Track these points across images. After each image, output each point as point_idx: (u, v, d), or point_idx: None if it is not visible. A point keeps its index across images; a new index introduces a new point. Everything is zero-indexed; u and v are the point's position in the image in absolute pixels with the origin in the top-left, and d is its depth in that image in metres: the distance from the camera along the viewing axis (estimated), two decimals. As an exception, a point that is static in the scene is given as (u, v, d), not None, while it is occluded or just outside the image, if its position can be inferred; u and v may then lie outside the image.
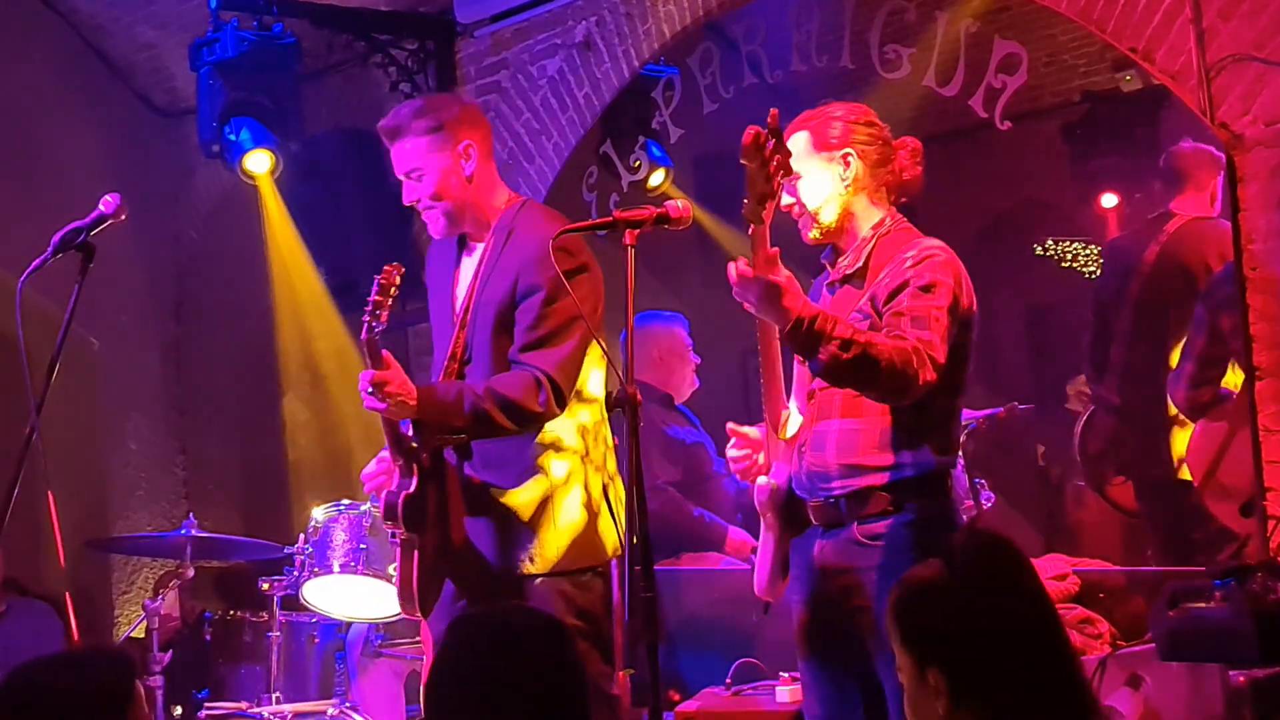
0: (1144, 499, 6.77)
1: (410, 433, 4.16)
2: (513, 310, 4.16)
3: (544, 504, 4.18)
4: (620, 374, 3.62)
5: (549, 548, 4.17)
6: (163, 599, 5.96)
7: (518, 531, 4.18)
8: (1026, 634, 2.62)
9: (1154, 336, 6.48)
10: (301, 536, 6.12)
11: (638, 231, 3.70)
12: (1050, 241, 9.53)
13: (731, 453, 4.03)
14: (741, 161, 3.45)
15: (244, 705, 6.04)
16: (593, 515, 4.23)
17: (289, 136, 7.13)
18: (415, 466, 4.15)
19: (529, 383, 4.09)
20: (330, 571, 5.93)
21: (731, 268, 3.57)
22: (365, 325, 4.00)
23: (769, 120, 3.47)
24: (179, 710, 6.59)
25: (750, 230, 3.57)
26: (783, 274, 3.51)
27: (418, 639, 5.57)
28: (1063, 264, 9.53)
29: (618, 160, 7.67)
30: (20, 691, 2.98)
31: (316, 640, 6.37)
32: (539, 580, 4.16)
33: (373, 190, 7.78)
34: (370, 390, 3.99)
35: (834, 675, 3.92)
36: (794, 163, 3.81)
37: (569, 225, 3.96)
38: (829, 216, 3.90)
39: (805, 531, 3.89)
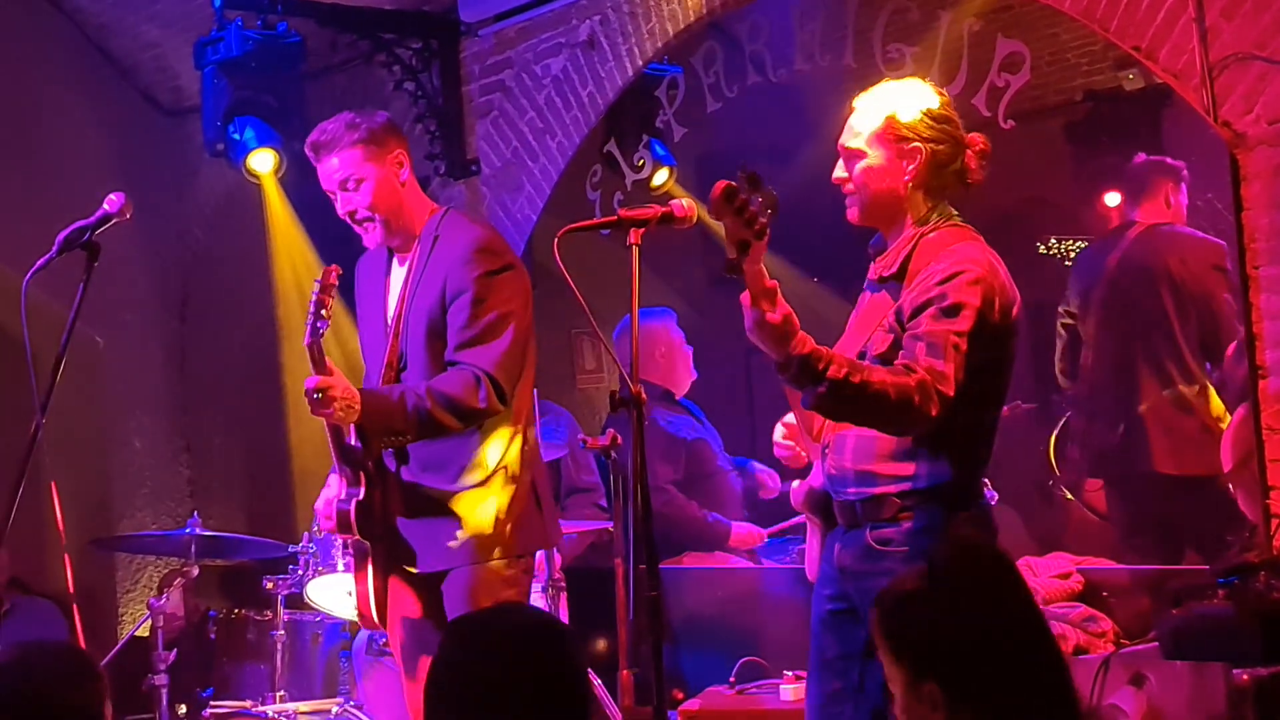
0: (1119, 498, 6.83)
1: (354, 439, 4.22)
2: (444, 315, 4.25)
3: (483, 501, 4.28)
4: (625, 373, 3.62)
5: (487, 542, 4.27)
6: (167, 597, 5.98)
7: (458, 528, 4.27)
8: (1015, 639, 2.61)
9: (1120, 339, 6.70)
10: (306, 535, 6.13)
11: (642, 231, 3.69)
12: (1053, 240, 9.52)
13: (779, 441, 4.00)
14: (713, 218, 3.36)
15: (248, 704, 6.05)
16: (527, 509, 4.34)
17: (293, 135, 7.11)
18: (362, 474, 4.22)
19: (469, 380, 4.16)
20: (335, 570, 5.95)
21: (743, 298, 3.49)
22: (309, 329, 4.04)
23: (740, 167, 3.39)
24: (184, 709, 6.60)
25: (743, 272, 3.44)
26: (780, 309, 3.41)
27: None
28: (1066, 262, 9.52)
29: (621, 159, 7.68)
30: None
31: (321, 639, 6.38)
32: (473, 568, 4.26)
33: (377, 189, 7.80)
34: (316, 396, 4.02)
35: (839, 673, 3.90)
36: (858, 140, 3.76)
37: (574, 225, 3.87)
38: (879, 204, 3.78)
39: (834, 529, 3.88)
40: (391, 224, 4.36)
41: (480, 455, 4.29)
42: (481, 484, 4.28)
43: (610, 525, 5.68)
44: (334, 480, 4.29)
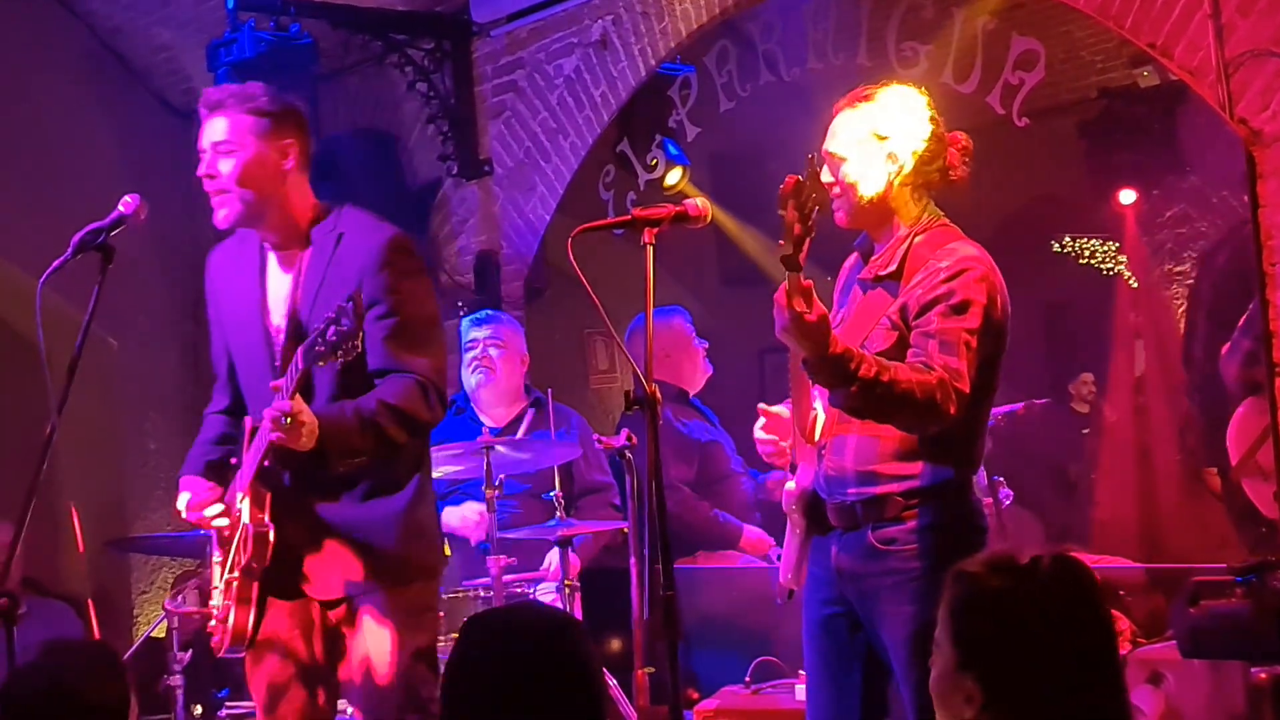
0: (1225, 488, 6.78)
1: (269, 463, 3.91)
2: (358, 320, 3.83)
3: (397, 520, 3.98)
4: (640, 373, 3.61)
5: (403, 565, 3.99)
6: (183, 599, 5.97)
7: (370, 551, 3.96)
8: (1083, 671, 2.53)
9: (1221, 333, 6.58)
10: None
11: (656, 230, 3.67)
12: (1067, 238, 9.49)
13: (759, 434, 3.98)
14: (779, 211, 3.34)
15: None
16: (429, 525, 4.09)
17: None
18: (268, 497, 3.96)
19: (414, 390, 3.89)
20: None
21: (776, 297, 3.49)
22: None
23: (807, 162, 3.40)
24: (199, 709, 6.60)
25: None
26: (815, 308, 3.40)
27: (440, 638, 5.55)
28: (1080, 261, 9.50)
29: (634, 159, 7.68)
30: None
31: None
32: (388, 594, 3.96)
33: (390, 190, 7.80)
34: (286, 423, 3.75)
35: (838, 677, 3.91)
36: (840, 145, 3.78)
37: (587, 224, 3.83)
38: (867, 206, 3.79)
39: (828, 533, 3.88)
40: (253, 208, 3.97)
41: (393, 471, 3.99)
42: (394, 501, 3.99)
43: (624, 525, 5.66)
44: (195, 487, 4.07)
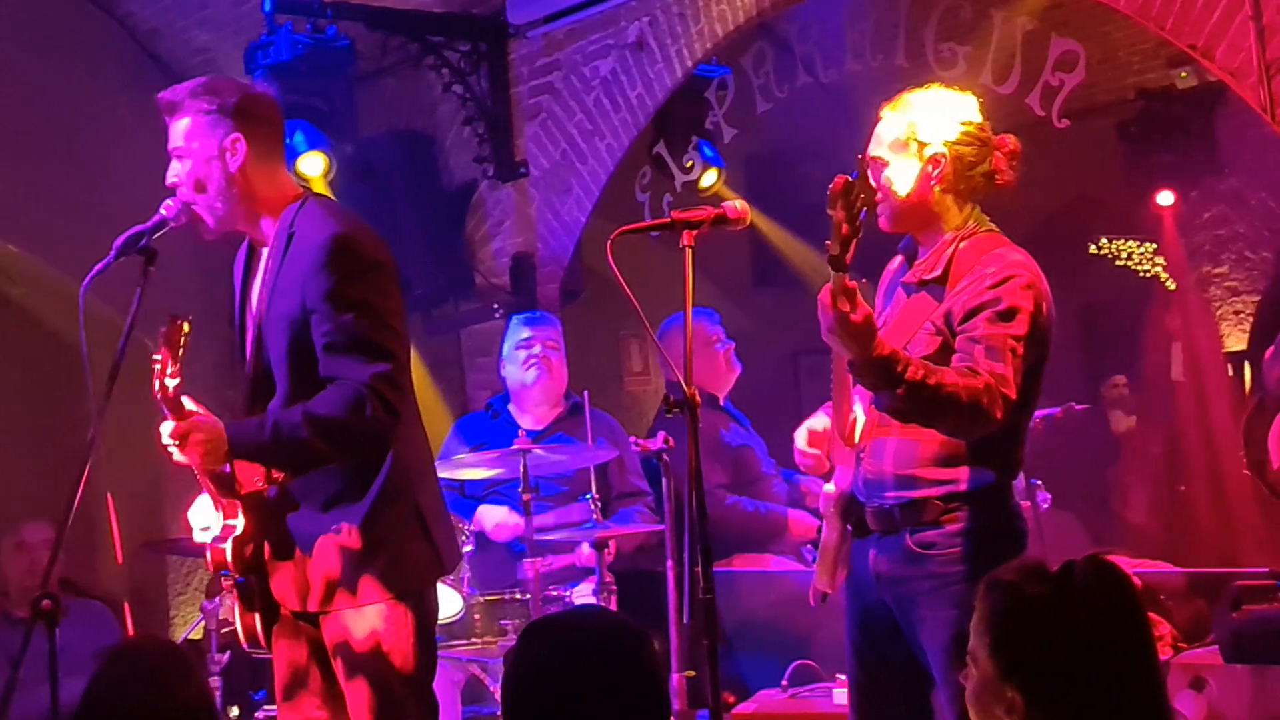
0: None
1: (229, 471, 3.77)
2: (305, 324, 3.71)
3: (355, 533, 3.73)
4: (680, 376, 3.60)
5: (360, 583, 3.73)
6: (220, 600, 5.98)
7: (327, 566, 3.75)
8: (1123, 674, 2.52)
9: None
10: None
11: (695, 233, 3.66)
12: (1104, 239, 9.46)
13: (801, 446, 3.97)
14: (828, 211, 3.32)
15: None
16: (408, 539, 3.79)
17: (343, 139, 7.15)
18: (239, 504, 3.77)
19: (349, 398, 3.63)
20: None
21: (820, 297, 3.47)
22: (156, 384, 3.70)
23: (858, 163, 3.39)
24: (236, 710, 6.61)
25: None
26: (861, 308, 3.39)
27: (475, 640, 5.57)
28: (1117, 262, 9.46)
29: (671, 161, 7.67)
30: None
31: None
32: (345, 614, 3.74)
33: (426, 192, 7.82)
34: (176, 444, 3.65)
35: (879, 682, 3.89)
36: (881, 149, 3.77)
37: (626, 227, 3.82)
38: (908, 210, 3.78)
39: (866, 536, 3.86)
40: (215, 212, 3.82)
41: (350, 479, 3.76)
42: (352, 513, 3.74)
43: (662, 528, 5.65)
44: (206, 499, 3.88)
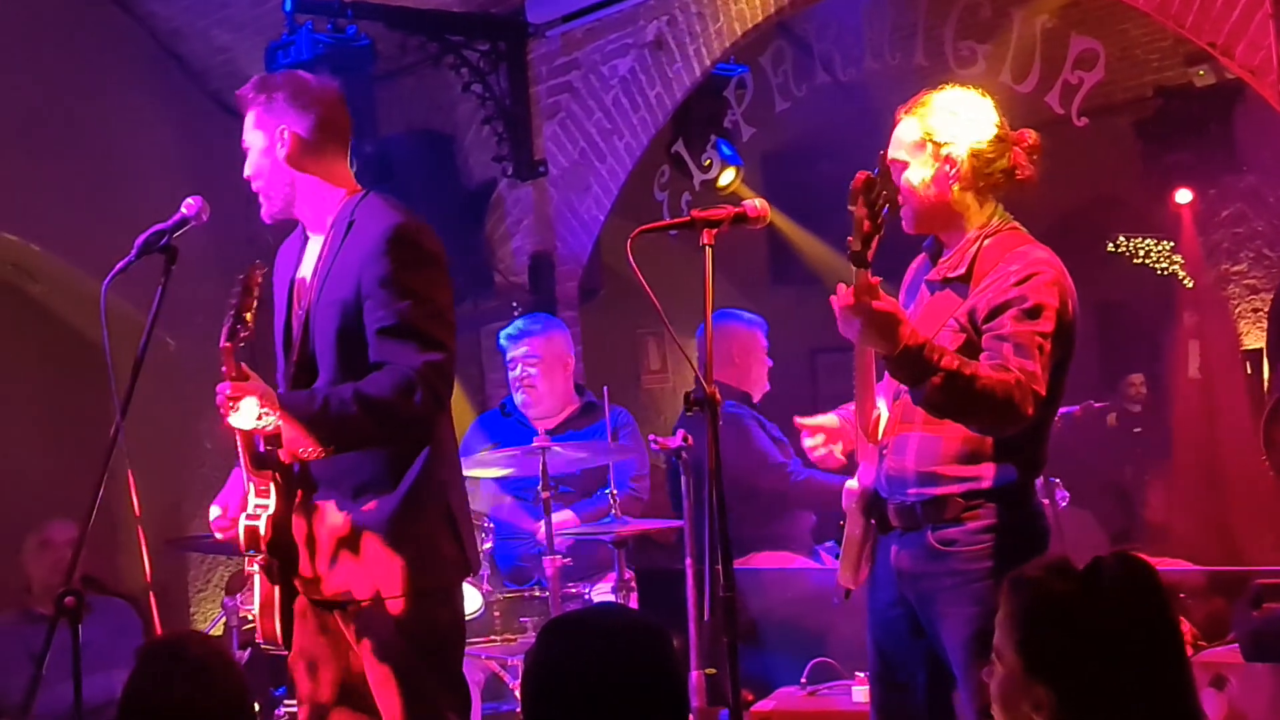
0: None
1: (264, 445, 3.78)
2: (359, 309, 3.75)
3: (382, 525, 3.75)
4: (700, 373, 3.61)
5: (383, 576, 3.74)
6: (242, 597, 6.00)
7: (352, 557, 3.77)
8: (1153, 672, 2.51)
9: None
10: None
11: (715, 231, 3.68)
12: (1122, 237, 9.45)
13: (807, 443, 3.99)
14: (849, 207, 3.36)
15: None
16: (437, 536, 3.80)
17: (362, 138, 7.15)
18: (273, 484, 3.77)
19: (399, 382, 3.66)
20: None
21: (834, 299, 3.49)
22: (226, 329, 3.67)
23: (878, 159, 3.40)
24: (256, 707, 6.63)
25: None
26: (886, 301, 3.42)
27: (495, 637, 5.58)
28: (1135, 260, 9.45)
29: (689, 159, 7.68)
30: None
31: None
32: (381, 602, 3.74)
33: (445, 191, 7.83)
34: (230, 403, 3.64)
35: (901, 679, 3.90)
36: (901, 151, 3.79)
37: (647, 225, 3.84)
38: (929, 211, 3.79)
39: (889, 533, 3.87)
40: (272, 199, 3.94)
41: (383, 469, 3.77)
42: (381, 504, 3.76)
43: (682, 524, 5.65)
44: (234, 481, 3.90)
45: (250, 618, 6.83)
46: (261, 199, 3.98)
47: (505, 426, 6.31)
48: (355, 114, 7.03)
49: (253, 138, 3.96)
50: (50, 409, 8.37)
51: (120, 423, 3.74)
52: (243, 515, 3.77)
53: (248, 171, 4.00)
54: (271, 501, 3.76)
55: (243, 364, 3.69)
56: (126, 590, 7.20)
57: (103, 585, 6.97)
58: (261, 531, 3.74)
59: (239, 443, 3.78)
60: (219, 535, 3.90)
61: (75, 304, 8.23)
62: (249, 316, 3.68)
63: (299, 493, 3.83)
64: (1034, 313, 3.59)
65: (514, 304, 7.66)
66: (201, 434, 8.90)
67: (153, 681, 3.22)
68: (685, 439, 5.36)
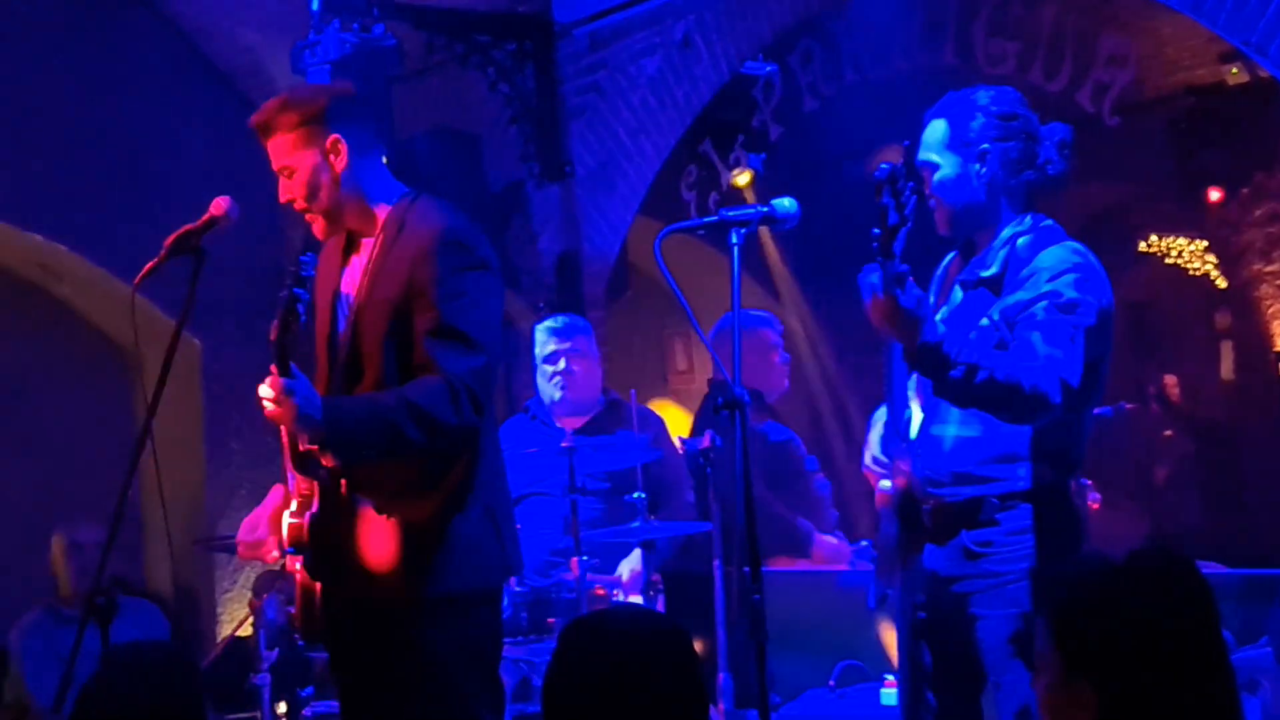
0: None
1: (306, 445, 3.72)
2: (408, 312, 3.72)
3: (420, 525, 3.72)
4: (729, 374, 3.59)
5: (419, 576, 3.71)
6: (269, 598, 6.00)
7: (389, 557, 3.73)
8: (1193, 666, 2.46)
9: None
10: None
11: (744, 231, 3.67)
12: (1154, 237, 9.40)
13: (871, 455, 3.97)
14: (875, 199, 3.34)
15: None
16: (477, 537, 3.76)
17: (388, 139, 7.15)
18: (316, 484, 3.75)
19: (444, 390, 3.63)
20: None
21: (861, 280, 3.47)
22: (277, 324, 3.64)
23: (904, 151, 3.38)
24: (284, 707, 6.63)
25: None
26: (912, 294, 3.40)
27: (521, 638, 5.56)
28: (1167, 260, 9.40)
29: (717, 159, 7.66)
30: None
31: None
32: (422, 602, 3.71)
33: (471, 191, 7.82)
34: (275, 401, 3.61)
35: (932, 682, 3.86)
36: (929, 153, 3.77)
37: (676, 225, 3.83)
38: (965, 213, 3.78)
39: (923, 534, 3.84)
40: (331, 215, 3.86)
41: (424, 469, 3.74)
42: (420, 505, 3.74)
43: (710, 527, 5.62)
44: (269, 500, 3.89)
45: (288, 617, 6.86)
46: (313, 218, 3.88)
47: (531, 430, 6.28)
48: (382, 115, 7.13)
49: (297, 159, 3.85)
50: (77, 410, 8.38)
51: (148, 424, 3.73)
52: (286, 513, 3.76)
53: (294, 194, 3.88)
54: (315, 501, 3.75)
55: (290, 362, 3.64)
56: (152, 591, 7.22)
57: (130, 586, 6.99)
58: (304, 531, 3.72)
59: (285, 443, 3.76)
60: (240, 553, 3.88)
61: (101, 305, 8.24)
62: (300, 309, 3.65)
63: (342, 491, 3.78)
64: (1068, 307, 3.57)
65: (540, 305, 7.65)
66: (228, 434, 8.92)
67: (101, 685, 3.20)
68: (712, 440, 5.33)
